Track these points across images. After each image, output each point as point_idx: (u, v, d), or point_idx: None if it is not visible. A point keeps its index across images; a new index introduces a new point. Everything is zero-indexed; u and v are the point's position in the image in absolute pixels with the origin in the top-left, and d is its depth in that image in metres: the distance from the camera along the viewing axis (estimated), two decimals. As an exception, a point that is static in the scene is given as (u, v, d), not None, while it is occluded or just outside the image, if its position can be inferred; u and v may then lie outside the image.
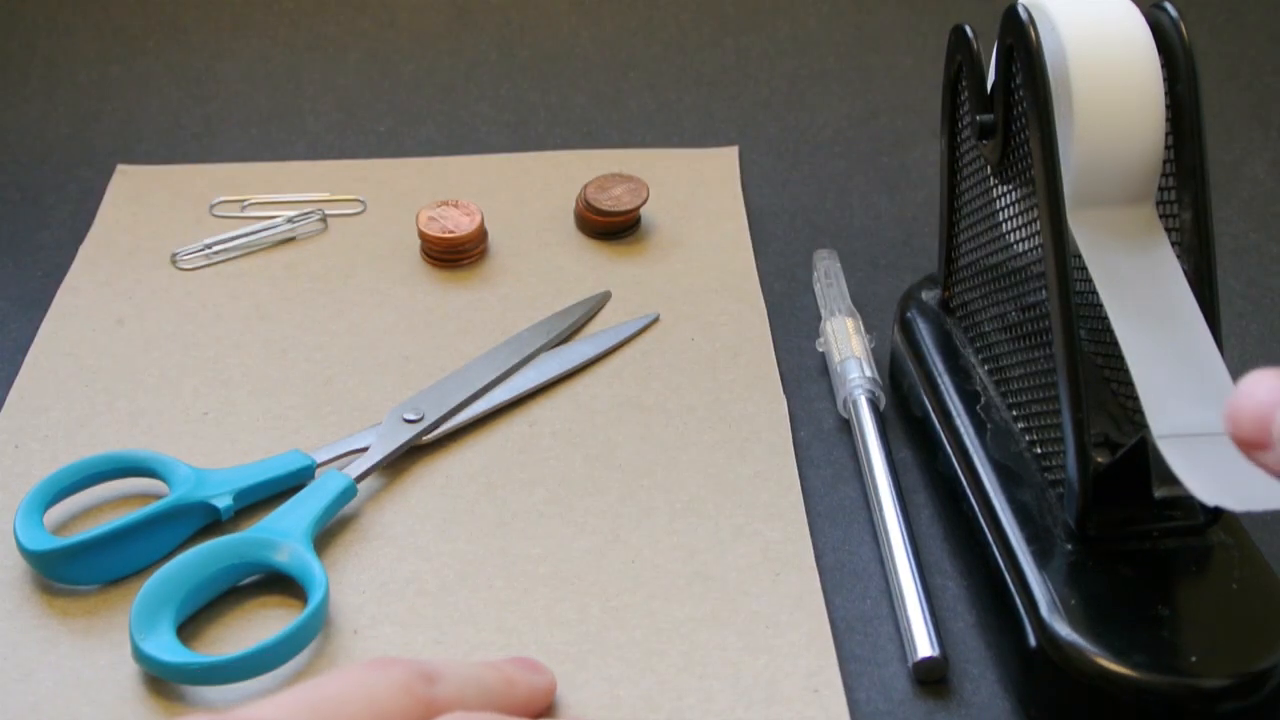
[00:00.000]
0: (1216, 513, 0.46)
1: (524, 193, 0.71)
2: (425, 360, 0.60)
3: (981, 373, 0.54)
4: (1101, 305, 0.45)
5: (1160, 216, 0.47)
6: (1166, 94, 0.46)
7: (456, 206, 0.67)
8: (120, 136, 0.76)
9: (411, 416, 0.56)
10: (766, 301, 0.64)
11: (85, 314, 0.63)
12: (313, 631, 0.47)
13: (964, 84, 0.53)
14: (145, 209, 0.70)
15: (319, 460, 0.54)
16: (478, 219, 0.66)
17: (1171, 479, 0.40)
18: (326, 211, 0.69)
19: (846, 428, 0.57)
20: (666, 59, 0.80)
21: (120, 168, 0.73)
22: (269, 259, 0.67)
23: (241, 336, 0.62)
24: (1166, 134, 0.46)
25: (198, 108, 0.77)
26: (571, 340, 0.62)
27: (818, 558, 0.51)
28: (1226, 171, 0.73)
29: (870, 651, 0.48)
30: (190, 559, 0.48)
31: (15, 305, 0.64)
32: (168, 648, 0.45)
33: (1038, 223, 0.46)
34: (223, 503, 0.51)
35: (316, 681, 0.38)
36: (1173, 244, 0.47)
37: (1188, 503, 0.46)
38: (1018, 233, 0.50)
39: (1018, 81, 0.47)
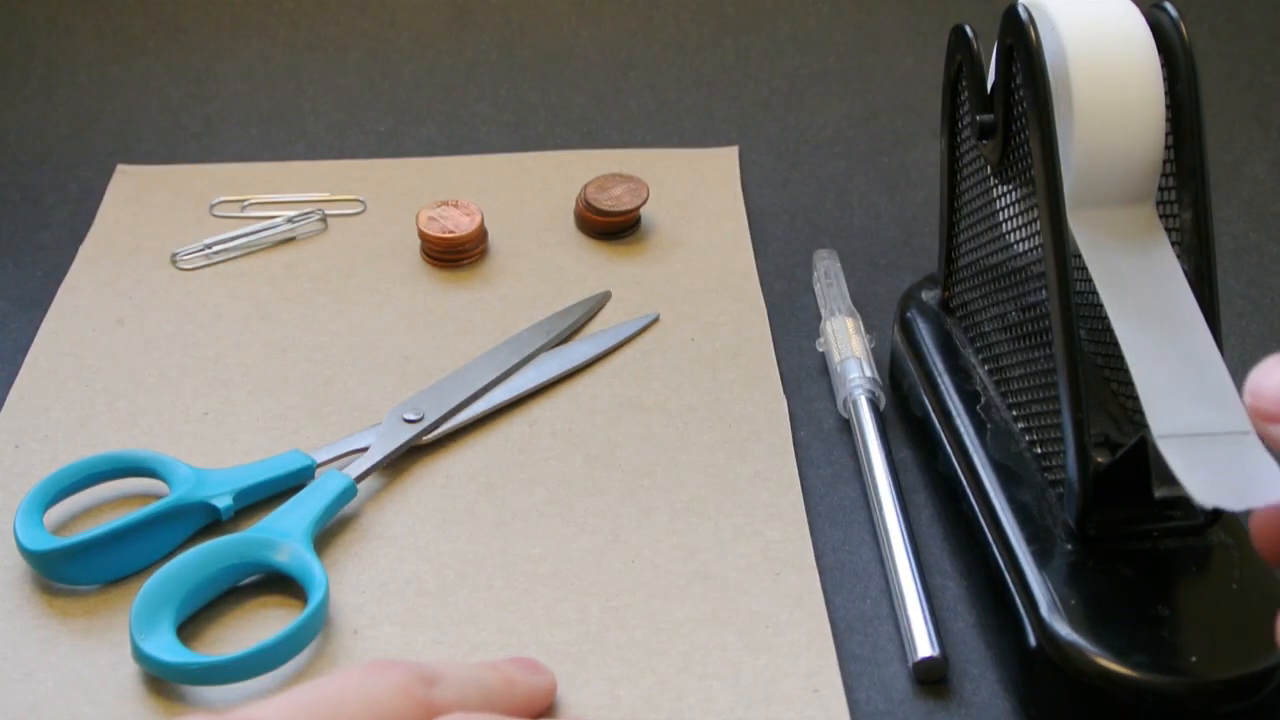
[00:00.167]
0: (1216, 513, 0.46)
1: (524, 193, 0.71)
2: (425, 360, 0.60)
3: (981, 373, 0.54)
4: (1101, 305, 0.45)
5: (1160, 216, 0.47)
6: (1166, 94, 0.46)
7: (456, 206, 0.67)
8: (120, 136, 0.76)
9: (411, 416, 0.56)
10: (766, 301, 0.64)
11: (85, 314, 0.63)
12: (313, 631, 0.47)
13: (964, 84, 0.53)
14: (145, 209, 0.70)
15: (319, 460, 0.54)
16: (478, 219, 0.66)
17: (1172, 479, 0.40)
18: (326, 211, 0.69)
19: (846, 428, 0.57)
20: (666, 59, 0.80)
21: (120, 168, 0.73)
22: (269, 259, 0.67)
23: (241, 336, 0.62)
24: (1166, 134, 0.46)
25: (198, 108, 0.77)
26: (571, 340, 0.62)
27: (818, 558, 0.51)
28: (1226, 171, 0.73)
29: (870, 651, 0.48)
30: (190, 559, 0.48)
31: (15, 305, 0.64)
32: (168, 648, 0.45)
33: (1038, 223, 0.46)
34: (223, 503, 0.51)
35: (315, 683, 0.38)
36: (1173, 244, 0.47)
37: (1188, 503, 0.46)
38: (1018, 233, 0.50)
39: (1018, 81, 0.47)
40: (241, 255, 0.67)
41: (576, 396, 0.59)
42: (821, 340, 0.60)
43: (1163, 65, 0.46)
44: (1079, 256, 0.46)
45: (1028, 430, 0.50)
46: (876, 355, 0.59)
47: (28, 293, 0.65)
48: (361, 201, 0.70)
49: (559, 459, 0.56)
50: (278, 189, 0.71)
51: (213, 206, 0.70)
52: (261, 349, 0.61)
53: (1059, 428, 0.46)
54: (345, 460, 0.54)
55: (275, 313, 0.63)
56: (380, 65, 0.80)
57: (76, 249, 0.67)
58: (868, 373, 0.57)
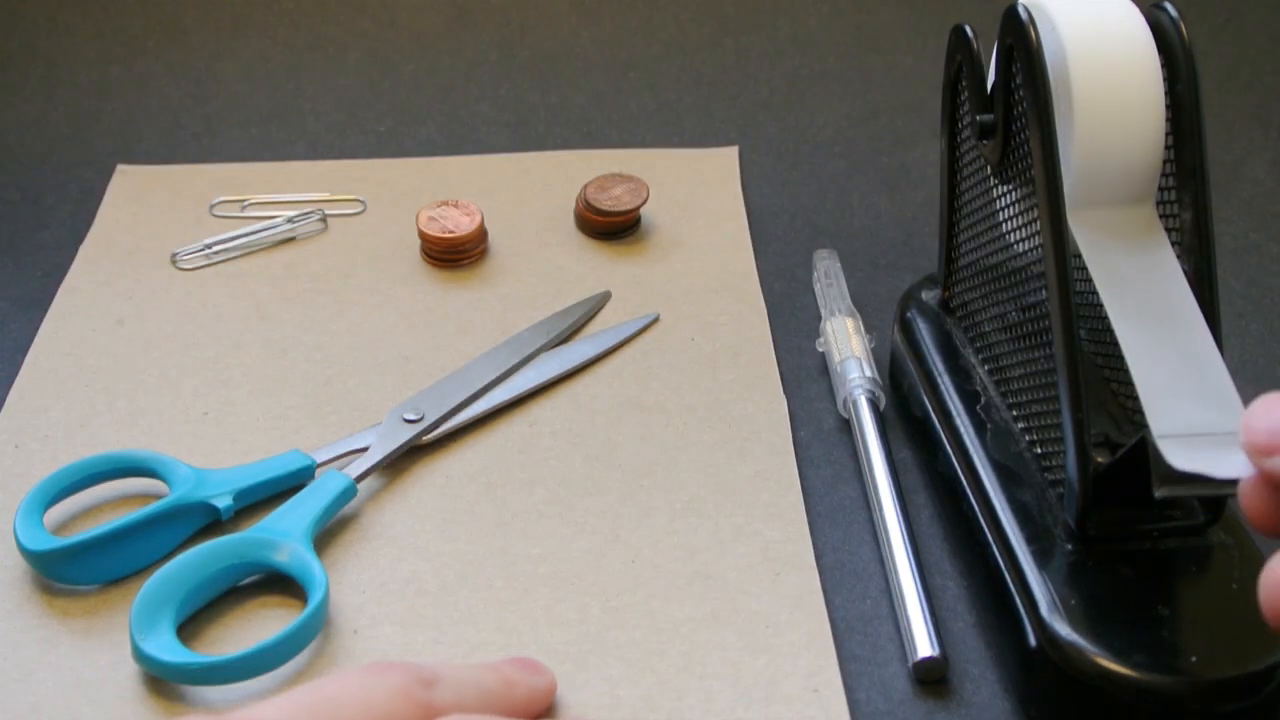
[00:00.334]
0: (1216, 513, 0.46)
1: (524, 193, 0.71)
2: (425, 360, 0.60)
3: (981, 373, 0.54)
4: (1101, 305, 0.45)
5: (1160, 216, 0.47)
6: (1166, 94, 0.46)
7: (456, 206, 0.67)
8: (120, 136, 0.76)
9: (411, 416, 0.56)
10: (766, 301, 0.64)
11: (85, 314, 0.63)
12: (313, 631, 0.47)
13: (964, 84, 0.53)
14: (145, 209, 0.70)
15: (319, 460, 0.54)
16: (478, 219, 0.66)
17: (1171, 479, 0.40)
18: (326, 211, 0.69)
19: (846, 428, 0.57)
20: (666, 59, 0.80)
21: (120, 168, 0.73)
22: (269, 259, 0.67)
23: (241, 336, 0.62)
24: (1166, 134, 0.46)
25: (198, 108, 0.77)
26: (571, 340, 0.62)
27: (818, 558, 0.51)
28: (1226, 171, 0.73)
29: (870, 651, 0.48)
30: (190, 559, 0.48)
31: (15, 305, 0.64)
32: (168, 648, 0.45)
33: (1038, 223, 0.46)
34: (223, 503, 0.51)
35: (314, 685, 0.38)
36: (1173, 244, 0.47)
37: (1188, 503, 0.46)
38: (1018, 233, 0.50)
39: (1018, 81, 0.47)
40: (241, 255, 0.67)
41: (576, 396, 0.59)
42: (821, 340, 0.60)
43: (1163, 65, 0.46)
44: (1079, 256, 0.46)
45: (1028, 430, 0.50)
46: (876, 355, 0.59)
47: (28, 293, 0.65)
48: (361, 201, 0.70)
49: (559, 459, 0.56)
50: (278, 189, 0.71)
51: (213, 206, 0.70)
52: (261, 349, 0.61)
53: (1059, 428, 0.46)
54: (345, 460, 0.54)
55: (275, 313, 0.63)
56: (380, 65, 0.80)
57: (76, 249, 0.67)
58: (868, 373, 0.57)
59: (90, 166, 0.73)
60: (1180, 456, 0.40)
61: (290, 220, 0.68)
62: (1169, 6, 0.46)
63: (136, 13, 0.81)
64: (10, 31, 0.80)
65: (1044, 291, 0.46)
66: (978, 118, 0.50)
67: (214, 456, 0.55)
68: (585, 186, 0.68)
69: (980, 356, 0.54)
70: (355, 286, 0.65)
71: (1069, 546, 0.46)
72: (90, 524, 0.52)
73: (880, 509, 0.52)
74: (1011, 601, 0.46)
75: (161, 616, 0.46)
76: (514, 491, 0.54)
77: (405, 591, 0.50)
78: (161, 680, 0.46)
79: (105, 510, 0.53)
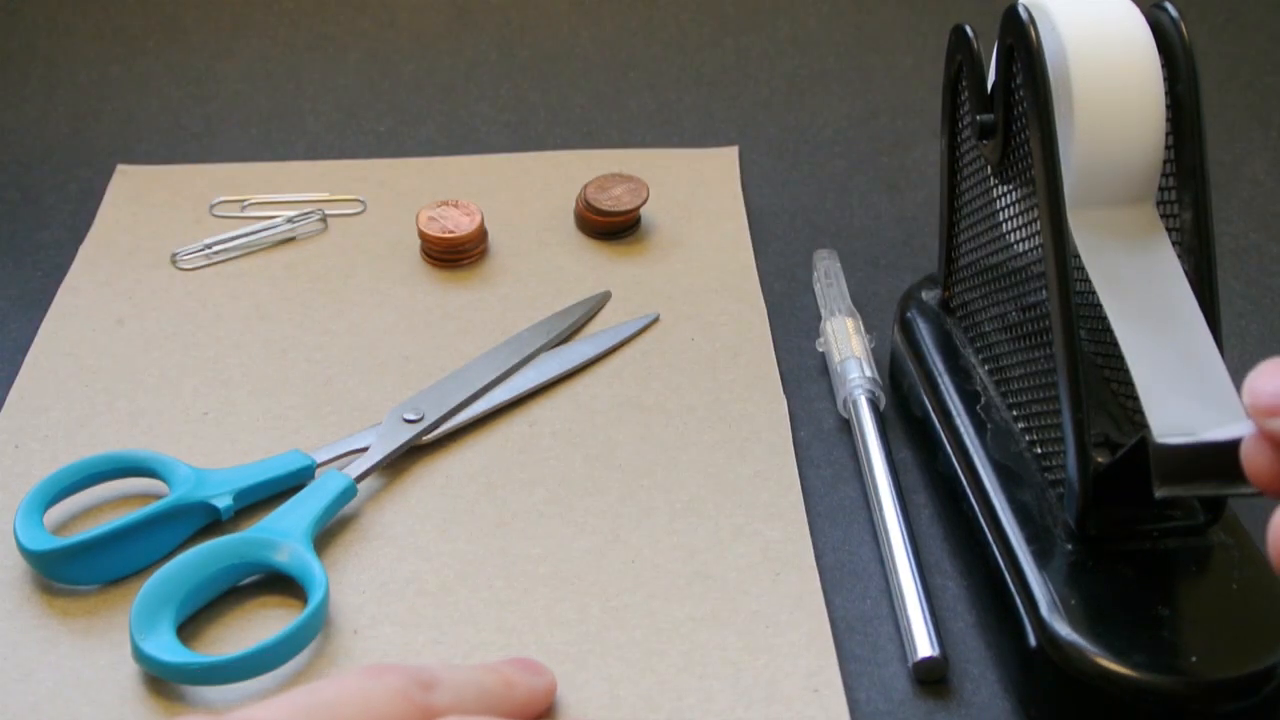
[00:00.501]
0: (1216, 513, 0.46)
1: (524, 193, 0.71)
2: (425, 360, 0.60)
3: (981, 373, 0.54)
4: (1101, 305, 0.45)
5: (1160, 216, 0.47)
6: (1166, 94, 0.46)
7: (456, 206, 0.67)
8: (120, 136, 0.76)
9: (411, 416, 0.56)
10: (766, 301, 0.64)
11: (85, 314, 0.63)
12: (313, 631, 0.47)
13: (964, 84, 0.53)
14: (145, 209, 0.70)
15: (319, 460, 0.54)
16: (478, 219, 0.66)
17: (1171, 479, 0.40)
18: (326, 211, 0.69)
19: (846, 428, 0.57)
20: (666, 59, 0.80)
21: (120, 168, 0.73)
22: (269, 259, 0.67)
23: (241, 336, 0.62)
24: (1166, 134, 0.46)
25: (198, 108, 0.77)
26: (571, 340, 0.62)
27: (818, 558, 0.51)
28: (1226, 171, 0.73)
29: (870, 651, 0.48)
30: (190, 559, 0.48)
31: (15, 305, 0.64)
32: (168, 648, 0.45)
33: (1038, 223, 0.46)
34: (223, 503, 0.51)
35: (312, 686, 0.38)
36: (1173, 244, 0.47)
37: (1188, 503, 0.46)
38: (1018, 233, 0.50)
39: (1018, 81, 0.47)
40: (241, 255, 0.67)
41: (576, 396, 0.59)
42: (821, 340, 0.60)
43: (1163, 65, 0.46)
44: (1079, 256, 0.46)
45: (1028, 430, 0.50)
46: (876, 355, 0.59)
47: (28, 293, 0.65)
48: (361, 201, 0.70)
49: (559, 459, 0.56)
50: (278, 189, 0.71)
51: (213, 206, 0.70)
52: (261, 349, 0.61)
53: (1059, 428, 0.46)
54: (345, 460, 0.54)
55: (275, 313, 0.63)
56: (380, 65, 0.80)
57: (76, 249, 0.67)
58: (868, 373, 0.57)
59: (90, 166, 0.73)
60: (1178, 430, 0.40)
61: (290, 220, 0.68)
62: (1169, 6, 0.46)
63: (136, 13, 0.81)
64: (10, 31, 0.80)
65: (1044, 291, 0.46)
66: (978, 118, 0.50)
67: (214, 456, 0.55)
68: (585, 186, 0.68)
69: (980, 356, 0.54)
70: (355, 286, 0.65)
71: (1069, 546, 0.46)
72: (90, 524, 0.52)
73: (880, 509, 0.52)
74: (1011, 601, 0.46)
75: (161, 616, 0.46)
76: (514, 491, 0.54)
77: (405, 591, 0.50)
78: (161, 680, 0.46)
79: (105, 510, 0.53)
